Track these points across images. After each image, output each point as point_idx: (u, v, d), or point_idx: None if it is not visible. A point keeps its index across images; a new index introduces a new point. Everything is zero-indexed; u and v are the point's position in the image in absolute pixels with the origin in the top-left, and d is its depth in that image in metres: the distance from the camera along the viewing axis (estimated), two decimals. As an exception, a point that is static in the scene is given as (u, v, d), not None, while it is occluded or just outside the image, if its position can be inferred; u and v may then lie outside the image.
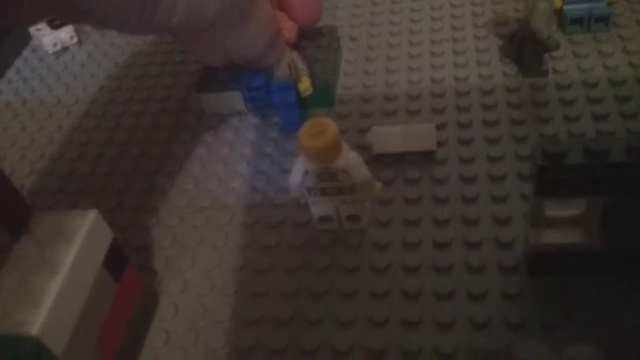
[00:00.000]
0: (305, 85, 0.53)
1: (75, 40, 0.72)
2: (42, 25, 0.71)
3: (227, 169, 0.52)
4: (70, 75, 0.68)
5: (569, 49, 0.56)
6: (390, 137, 0.48)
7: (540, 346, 0.30)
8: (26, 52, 0.74)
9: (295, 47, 0.55)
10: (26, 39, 0.75)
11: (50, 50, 0.72)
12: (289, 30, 0.52)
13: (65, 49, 0.72)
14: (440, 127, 0.51)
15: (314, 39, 0.59)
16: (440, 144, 0.49)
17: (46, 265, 0.34)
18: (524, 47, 0.54)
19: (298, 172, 0.41)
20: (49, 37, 0.71)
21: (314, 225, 0.45)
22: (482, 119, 0.51)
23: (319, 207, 0.44)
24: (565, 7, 0.56)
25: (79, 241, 0.35)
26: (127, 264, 0.39)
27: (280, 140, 0.54)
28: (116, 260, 0.38)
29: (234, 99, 0.56)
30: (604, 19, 0.56)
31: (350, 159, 0.40)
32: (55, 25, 0.71)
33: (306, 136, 0.38)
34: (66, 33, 0.72)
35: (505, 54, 0.57)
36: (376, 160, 0.49)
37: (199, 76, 0.59)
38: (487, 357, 0.36)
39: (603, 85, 0.52)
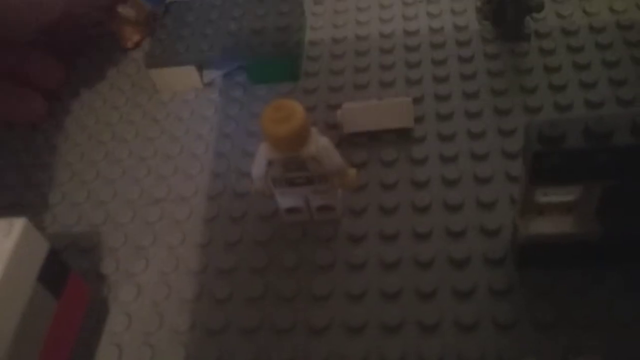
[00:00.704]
0: None
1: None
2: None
3: (183, 154, 0.47)
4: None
5: (551, 8, 0.52)
6: (363, 114, 0.44)
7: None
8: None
9: None
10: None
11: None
12: None
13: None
14: (416, 101, 0.46)
15: (275, 4, 0.53)
16: (417, 120, 0.45)
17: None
18: (504, 8, 0.49)
19: (261, 162, 0.36)
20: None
21: (281, 217, 0.41)
22: (462, 90, 0.47)
23: (286, 198, 0.39)
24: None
25: (5, 256, 0.30)
26: (68, 275, 0.34)
27: (241, 119, 0.49)
28: (54, 274, 0.33)
29: (190, 74, 0.51)
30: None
31: (320, 145, 0.35)
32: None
33: (269, 122, 0.33)
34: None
35: (483, 16, 0.53)
36: (348, 141, 0.45)
37: (147, 49, 0.53)
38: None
39: (590, 47, 0.48)
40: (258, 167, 0.36)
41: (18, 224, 0.31)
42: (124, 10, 0.54)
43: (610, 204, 0.32)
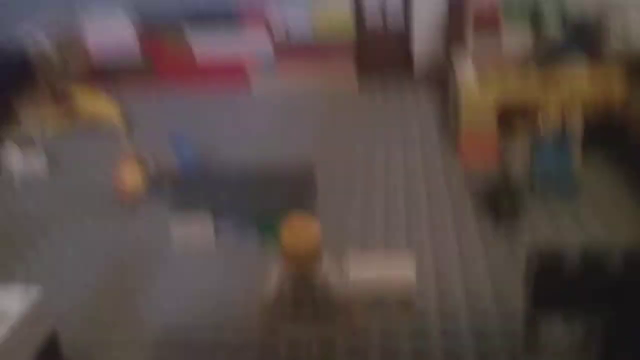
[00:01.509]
0: None
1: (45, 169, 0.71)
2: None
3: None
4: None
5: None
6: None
7: None
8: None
9: None
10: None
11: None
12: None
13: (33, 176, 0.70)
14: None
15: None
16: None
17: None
18: (499, 200, 0.55)
19: (274, 278, 0.37)
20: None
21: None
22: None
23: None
24: (535, 166, 0.58)
25: (8, 321, 0.30)
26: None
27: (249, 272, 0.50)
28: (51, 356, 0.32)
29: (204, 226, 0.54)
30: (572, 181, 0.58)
31: (331, 268, 0.37)
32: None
33: (287, 237, 0.36)
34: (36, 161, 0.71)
35: (481, 207, 0.58)
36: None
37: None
38: None
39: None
40: (269, 283, 0.37)
41: (31, 293, 0.31)
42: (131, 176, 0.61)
43: (613, 343, 0.33)
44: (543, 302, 0.32)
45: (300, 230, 0.36)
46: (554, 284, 0.32)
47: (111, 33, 0.95)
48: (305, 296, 0.37)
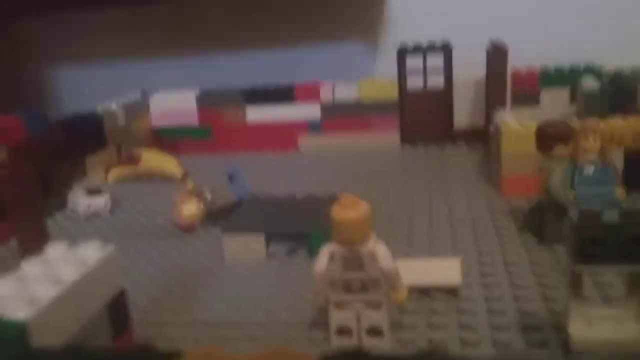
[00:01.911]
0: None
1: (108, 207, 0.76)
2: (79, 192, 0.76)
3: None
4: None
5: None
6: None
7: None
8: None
9: None
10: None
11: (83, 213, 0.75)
12: None
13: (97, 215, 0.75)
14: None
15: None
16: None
17: (51, 279, 0.31)
18: (543, 216, 0.56)
19: (324, 257, 0.39)
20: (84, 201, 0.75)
21: (331, 342, 0.41)
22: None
23: (339, 313, 0.41)
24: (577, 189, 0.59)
25: (86, 267, 0.33)
26: (128, 325, 0.36)
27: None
28: (119, 314, 0.35)
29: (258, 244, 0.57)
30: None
31: (378, 245, 0.39)
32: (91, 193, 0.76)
33: (338, 209, 0.38)
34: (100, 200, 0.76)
35: (525, 227, 0.59)
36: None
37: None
38: None
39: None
40: (320, 262, 0.40)
41: (106, 250, 0.35)
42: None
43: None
44: (584, 252, 0.33)
45: (350, 204, 0.38)
46: (594, 235, 0.33)
47: (175, 104, 1.05)
48: (354, 266, 0.39)
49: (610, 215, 0.33)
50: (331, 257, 0.39)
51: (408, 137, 0.96)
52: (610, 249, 0.33)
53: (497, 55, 0.89)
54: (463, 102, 1.00)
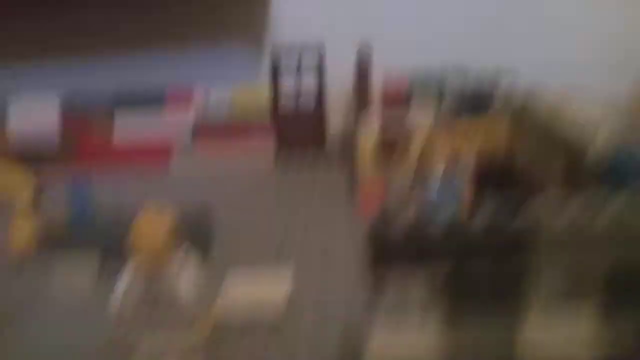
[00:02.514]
0: None
1: None
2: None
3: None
4: None
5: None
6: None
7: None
8: None
9: None
10: None
11: None
12: None
13: None
14: None
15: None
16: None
17: None
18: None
19: (124, 279, 0.36)
20: None
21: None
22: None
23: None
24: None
25: None
26: None
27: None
28: None
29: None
30: None
31: (187, 268, 0.37)
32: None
33: (138, 226, 0.36)
34: None
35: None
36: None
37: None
38: None
39: None
40: (121, 284, 0.36)
41: None
42: None
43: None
44: (379, 263, 0.32)
45: (151, 222, 0.36)
46: (386, 244, 0.32)
47: (34, 116, 0.97)
48: (156, 298, 0.36)
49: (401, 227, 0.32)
50: (132, 280, 0.36)
51: (281, 154, 0.94)
52: (403, 257, 0.32)
53: (362, 58, 0.90)
54: (336, 117, 0.98)
